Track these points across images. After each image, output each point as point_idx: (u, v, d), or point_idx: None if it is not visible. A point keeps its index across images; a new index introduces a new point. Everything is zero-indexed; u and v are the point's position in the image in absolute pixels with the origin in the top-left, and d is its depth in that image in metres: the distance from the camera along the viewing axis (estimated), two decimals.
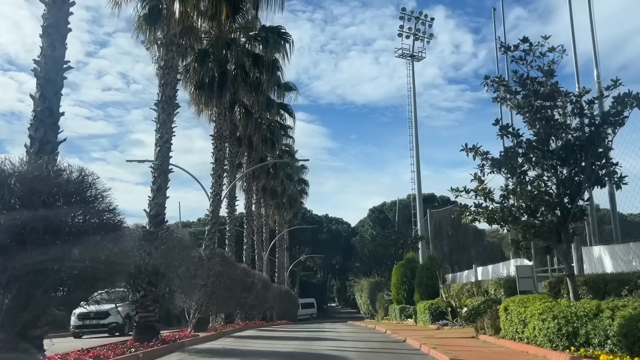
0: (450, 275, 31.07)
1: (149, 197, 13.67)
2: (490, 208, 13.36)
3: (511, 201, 13.07)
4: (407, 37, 53.54)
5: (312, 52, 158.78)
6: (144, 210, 13.56)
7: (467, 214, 13.47)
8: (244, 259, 30.30)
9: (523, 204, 12.90)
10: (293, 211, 53.25)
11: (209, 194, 20.37)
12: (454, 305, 20.72)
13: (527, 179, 12.72)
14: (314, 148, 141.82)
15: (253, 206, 34.94)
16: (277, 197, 43.20)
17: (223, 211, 27.23)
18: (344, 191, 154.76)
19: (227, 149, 26.01)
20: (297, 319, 55.88)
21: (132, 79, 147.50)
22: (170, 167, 13.82)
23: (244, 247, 30.70)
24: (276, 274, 51.15)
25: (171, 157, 13.89)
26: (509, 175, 12.82)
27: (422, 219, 45.29)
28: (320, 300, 77.28)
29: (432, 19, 53.09)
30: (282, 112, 33.00)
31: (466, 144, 13.14)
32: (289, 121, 36.70)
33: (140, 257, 13.13)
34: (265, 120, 27.73)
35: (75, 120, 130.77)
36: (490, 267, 24.95)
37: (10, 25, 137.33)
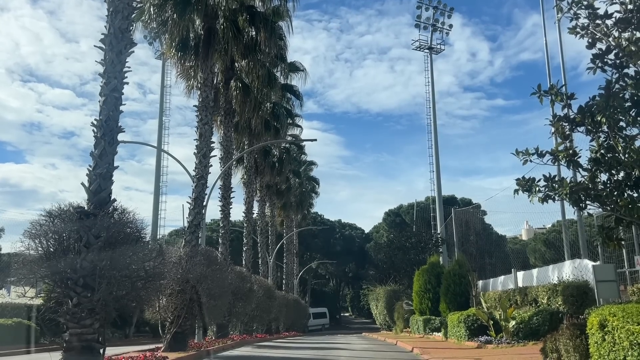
0: (480, 282, 27.11)
1: (89, 167, 9.81)
2: (569, 180, 9.43)
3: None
4: (425, 28, 50.10)
5: (328, 61, 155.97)
6: (82, 184, 9.70)
7: (536, 190, 9.47)
8: (244, 262, 26.32)
9: (622, 172, 9.00)
10: (302, 212, 48.95)
11: (192, 177, 16.44)
12: (498, 317, 16.62)
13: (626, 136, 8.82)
14: (328, 157, 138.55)
15: (256, 204, 30.99)
16: (284, 196, 39.15)
17: (216, 207, 23.52)
18: (357, 199, 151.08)
19: (222, 131, 22.25)
20: (307, 330, 52.23)
21: (148, 89, 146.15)
22: (120, 124, 9.93)
23: (244, 249, 26.63)
24: (284, 281, 47.09)
25: (122, 111, 10.04)
26: (605, 130, 8.82)
27: (442, 221, 41.60)
28: (332, 309, 73.35)
29: (452, 8, 49.50)
30: (288, 94, 29.09)
31: (539, 85, 9.20)
32: (296, 109, 32.86)
33: (75, 250, 9.36)
34: (268, 101, 23.63)
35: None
36: (534, 271, 21.17)
37: (30, 37, 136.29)
